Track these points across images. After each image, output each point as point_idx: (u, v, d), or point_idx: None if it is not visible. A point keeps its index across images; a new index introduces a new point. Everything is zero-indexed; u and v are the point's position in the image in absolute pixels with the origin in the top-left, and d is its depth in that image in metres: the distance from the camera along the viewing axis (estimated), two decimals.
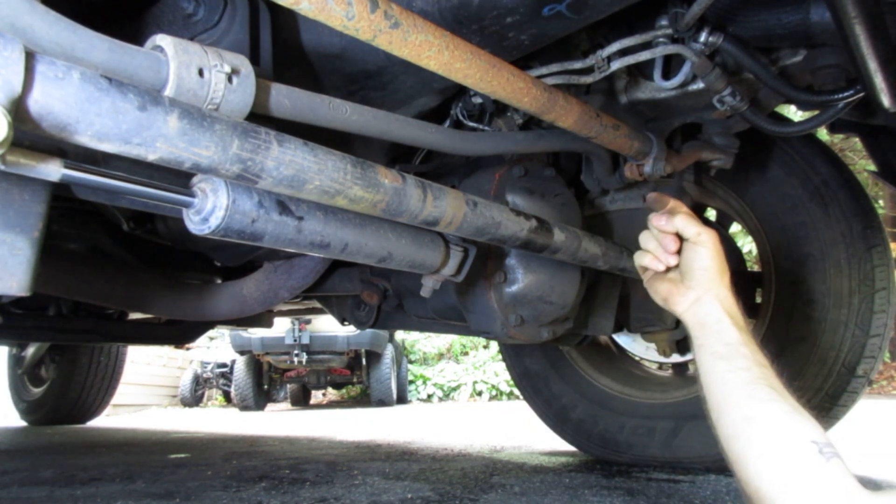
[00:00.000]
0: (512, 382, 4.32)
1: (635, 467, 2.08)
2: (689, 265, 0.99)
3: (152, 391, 9.73)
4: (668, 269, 1.05)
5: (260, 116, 0.86)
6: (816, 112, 1.35)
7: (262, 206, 0.81)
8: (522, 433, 3.50)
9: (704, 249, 0.98)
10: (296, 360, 7.85)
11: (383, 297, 2.13)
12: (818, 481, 0.70)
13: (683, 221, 1.01)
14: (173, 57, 0.74)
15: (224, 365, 9.90)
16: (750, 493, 0.76)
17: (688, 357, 2.22)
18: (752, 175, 1.91)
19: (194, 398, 10.09)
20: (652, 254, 1.05)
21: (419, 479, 1.92)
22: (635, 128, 1.40)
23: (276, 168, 0.73)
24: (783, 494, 0.71)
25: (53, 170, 0.63)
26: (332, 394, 11.49)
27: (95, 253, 2.02)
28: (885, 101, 1.12)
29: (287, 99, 0.91)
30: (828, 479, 0.69)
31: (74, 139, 0.59)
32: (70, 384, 4.35)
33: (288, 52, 1.14)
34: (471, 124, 1.47)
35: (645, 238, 1.07)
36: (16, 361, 4.69)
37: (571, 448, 2.37)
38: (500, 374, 10.21)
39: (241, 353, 8.19)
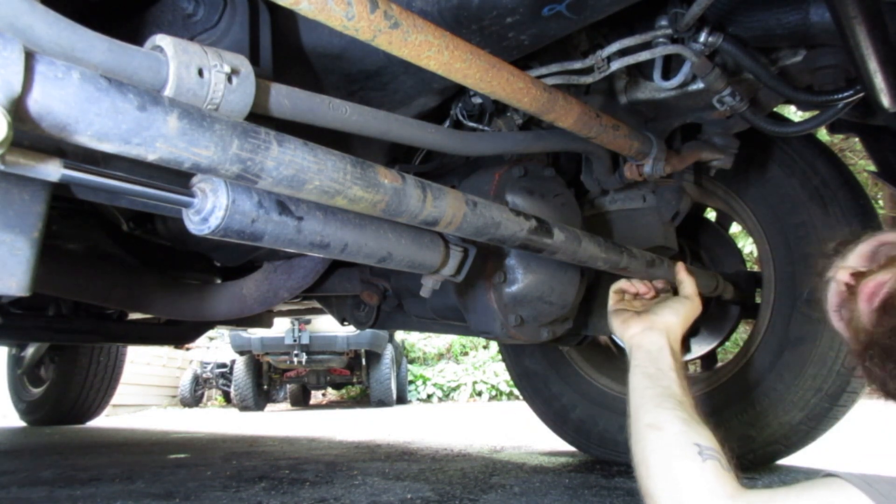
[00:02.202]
0: (512, 382, 4.32)
1: None
2: (659, 308, 1.15)
3: (152, 391, 9.73)
4: (636, 298, 1.29)
5: (260, 116, 0.86)
6: (816, 112, 1.35)
7: (262, 206, 0.81)
8: (522, 433, 3.50)
9: (683, 306, 1.16)
10: (295, 360, 7.85)
11: (383, 298, 2.13)
12: (690, 478, 0.77)
13: (687, 277, 1.24)
14: (173, 57, 0.74)
15: (224, 365, 9.90)
16: (643, 492, 0.83)
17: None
18: (752, 175, 1.91)
19: (194, 398, 10.09)
20: (632, 283, 1.29)
21: (419, 480, 1.92)
22: (635, 128, 1.40)
23: (275, 168, 0.73)
24: (660, 487, 0.79)
25: (53, 170, 0.63)
26: (331, 394, 11.50)
27: (95, 253, 2.02)
28: (885, 101, 1.12)
29: (287, 99, 0.91)
30: (699, 477, 0.77)
31: (74, 139, 0.59)
32: (70, 384, 4.35)
33: (288, 52, 1.14)
34: (471, 124, 1.47)
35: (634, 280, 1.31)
36: (15, 362, 4.69)
37: (571, 448, 2.37)
38: (499, 374, 10.21)
39: (241, 353, 8.19)
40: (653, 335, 1.08)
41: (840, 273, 0.89)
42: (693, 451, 0.80)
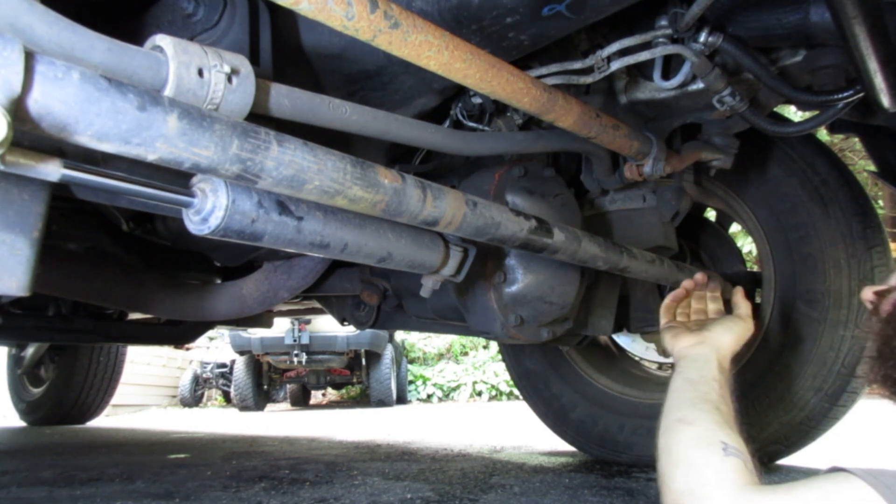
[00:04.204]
0: (512, 382, 4.33)
1: (635, 467, 2.08)
2: (713, 325, 1.16)
3: (152, 391, 9.73)
4: (689, 318, 1.27)
5: (260, 116, 0.86)
6: (816, 112, 1.35)
7: (262, 206, 0.81)
8: (522, 433, 3.50)
9: (737, 326, 1.16)
10: (295, 360, 7.85)
11: (383, 297, 2.13)
12: (707, 467, 0.79)
13: (744, 301, 1.24)
14: (173, 57, 0.74)
15: (224, 365, 9.89)
16: (659, 479, 0.84)
17: None
18: (752, 175, 1.91)
19: (194, 398, 10.09)
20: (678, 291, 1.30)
21: (419, 480, 1.92)
22: (635, 128, 1.40)
23: (275, 168, 0.73)
24: (676, 472, 0.81)
25: (53, 170, 0.63)
26: (331, 394, 11.49)
27: (95, 253, 2.02)
28: (885, 101, 1.12)
29: (287, 99, 0.91)
30: (716, 468, 0.78)
31: (74, 139, 0.59)
32: (70, 384, 4.34)
33: (288, 52, 1.14)
34: (471, 124, 1.47)
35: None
36: (15, 361, 4.69)
37: (571, 448, 2.37)
38: (499, 374, 10.21)
39: (241, 353, 8.18)
40: (702, 348, 1.09)
41: (866, 292, 0.93)
42: (718, 446, 0.81)
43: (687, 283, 1.30)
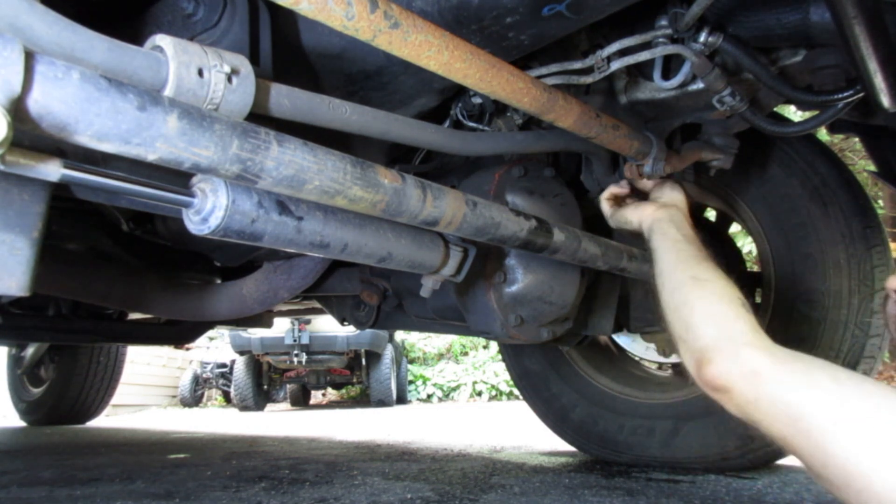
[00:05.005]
0: (512, 382, 4.34)
1: (635, 467, 2.08)
2: (660, 193, 1.22)
3: (152, 391, 9.74)
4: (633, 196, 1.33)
5: (260, 116, 0.86)
6: (816, 112, 1.35)
7: (262, 206, 0.81)
8: (522, 433, 3.50)
9: (677, 186, 1.22)
10: (295, 360, 7.86)
11: (383, 297, 2.13)
12: (738, 320, 0.86)
13: (646, 181, 1.31)
14: (173, 57, 0.74)
15: (224, 365, 9.90)
16: (676, 333, 0.91)
17: None
18: (752, 175, 1.91)
19: (194, 398, 10.09)
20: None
21: (419, 480, 1.92)
22: (635, 128, 1.40)
23: (275, 168, 0.73)
24: (709, 327, 0.86)
25: (53, 170, 0.63)
26: (331, 394, 11.50)
27: (95, 253, 2.02)
28: (885, 101, 1.12)
29: (287, 99, 0.91)
30: (746, 321, 0.86)
31: (74, 139, 0.59)
32: (69, 384, 4.35)
33: (288, 52, 1.14)
34: (470, 124, 1.47)
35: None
36: (15, 362, 4.69)
37: (571, 448, 2.37)
38: (499, 374, 10.22)
39: (241, 353, 8.19)
40: (670, 210, 1.13)
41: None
42: (738, 302, 0.87)
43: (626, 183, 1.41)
